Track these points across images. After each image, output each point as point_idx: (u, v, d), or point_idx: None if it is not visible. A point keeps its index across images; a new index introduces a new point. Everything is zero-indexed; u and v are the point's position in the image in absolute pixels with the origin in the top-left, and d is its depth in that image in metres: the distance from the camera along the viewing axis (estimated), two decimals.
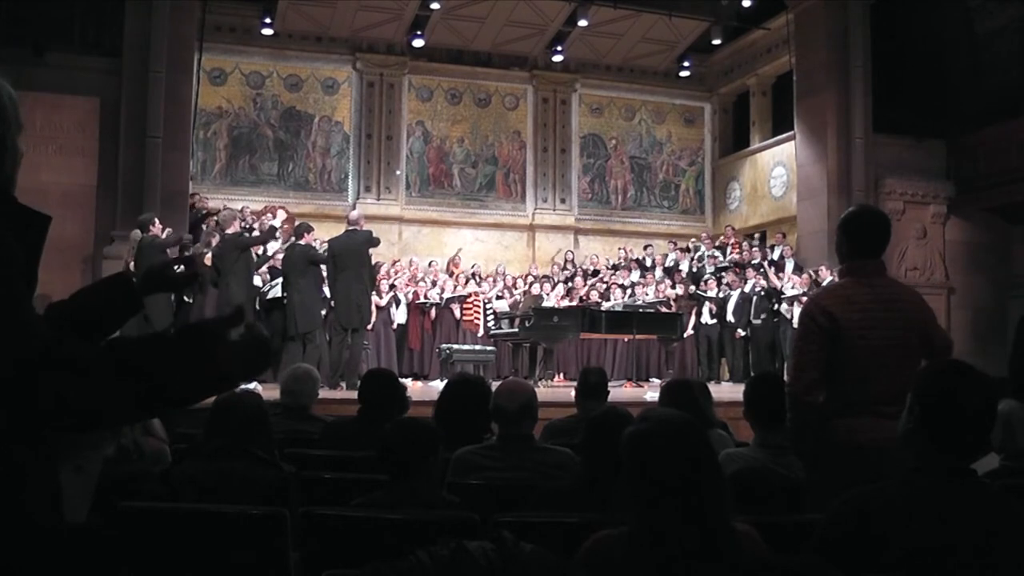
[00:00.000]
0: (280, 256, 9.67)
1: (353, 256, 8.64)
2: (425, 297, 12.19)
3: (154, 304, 8.62)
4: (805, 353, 2.84)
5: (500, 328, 11.62)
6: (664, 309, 12.02)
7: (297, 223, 9.96)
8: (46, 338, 1.14)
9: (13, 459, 1.19)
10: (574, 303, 12.14)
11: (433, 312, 12.21)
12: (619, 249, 14.90)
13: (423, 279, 12.53)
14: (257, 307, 9.41)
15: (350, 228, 8.82)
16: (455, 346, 10.82)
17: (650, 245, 14.79)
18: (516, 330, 10.95)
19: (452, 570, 1.40)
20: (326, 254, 8.80)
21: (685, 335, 12.08)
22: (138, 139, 10.58)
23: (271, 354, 1.25)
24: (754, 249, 13.42)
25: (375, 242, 8.96)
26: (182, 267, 1.77)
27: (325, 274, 8.89)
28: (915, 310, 2.87)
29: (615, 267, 14.09)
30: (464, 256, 13.83)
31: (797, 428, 2.84)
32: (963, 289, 13.40)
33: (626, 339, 11.91)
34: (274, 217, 10.27)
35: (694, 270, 13.50)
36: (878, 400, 2.69)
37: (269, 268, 9.89)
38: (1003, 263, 13.60)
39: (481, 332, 12.08)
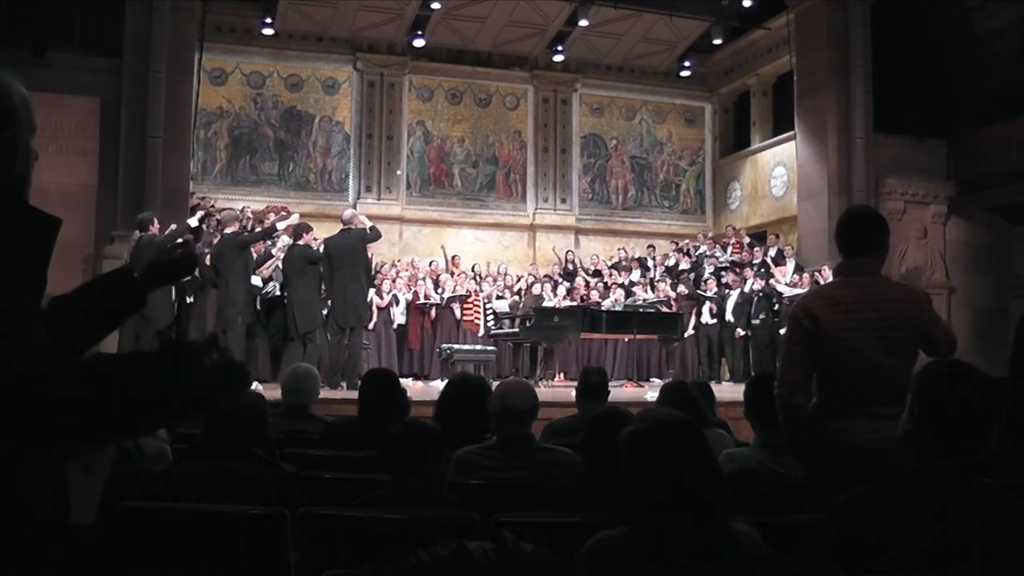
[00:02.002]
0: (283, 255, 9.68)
1: (348, 255, 8.64)
2: (425, 297, 12.19)
3: (154, 303, 8.62)
4: (790, 356, 2.87)
5: (500, 328, 11.61)
6: (664, 309, 12.01)
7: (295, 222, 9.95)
8: (33, 354, 1.16)
9: (17, 460, 1.19)
10: (575, 303, 12.14)
11: (433, 312, 12.21)
12: (619, 249, 14.91)
13: (424, 279, 12.53)
14: (257, 306, 9.41)
15: (344, 228, 8.83)
16: (455, 346, 10.81)
17: (652, 246, 14.80)
18: (516, 330, 10.95)
19: (452, 570, 1.40)
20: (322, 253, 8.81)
21: (685, 335, 12.08)
22: (138, 139, 10.58)
23: (246, 377, 1.27)
24: (755, 250, 13.42)
25: (372, 237, 8.94)
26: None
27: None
28: (909, 309, 2.84)
29: (615, 267, 14.09)
30: (461, 255, 13.85)
31: (788, 430, 2.85)
32: (964, 289, 13.40)
33: (626, 339, 11.90)
34: (288, 216, 10.25)
35: (693, 270, 13.51)
36: (872, 401, 2.69)
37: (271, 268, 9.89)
38: (1004, 263, 13.59)
39: (481, 332, 12.07)
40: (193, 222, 9.56)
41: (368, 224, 9.07)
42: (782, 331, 11.21)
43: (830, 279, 10.39)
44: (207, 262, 8.97)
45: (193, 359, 1.20)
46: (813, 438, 2.80)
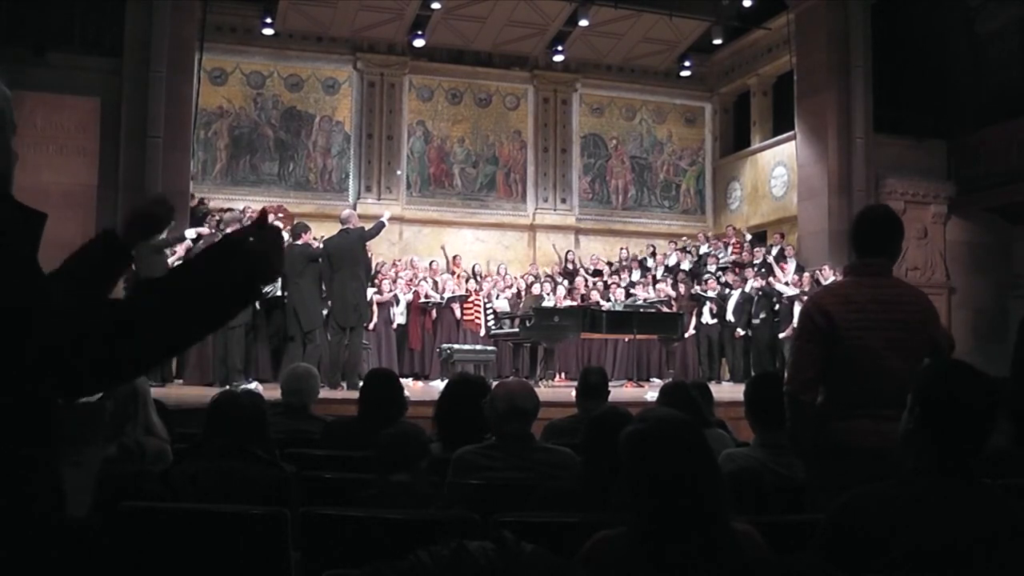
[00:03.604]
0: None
1: (348, 255, 8.65)
2: (426, 297, 12.18)
3: None
4: (802, 352, 2.83)
5: (501, 328, 11.61)
6: (665, 309, 12.01)
7: (295, 222, 9.96)
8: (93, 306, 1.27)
9: (19, 457, 1.19)
10: (575, 303, 12.13)
11: (434, 312, 12.21)
12: (620, 249, 14.90)
13: (424, 279, 12.52)
14: (257, 306, 9.42)
15: (343, 228, 8.84)
16: (456, 346, 10.81)
17: (652, 246, 14.79)
18: (517, 330, 10.95)
19: (453, 570, 1.40)
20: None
21: (686, 335, 12.08)
22: (139, 139, 10.59)
23: (283, 245, 1.37)
24: (756, 250, 13.42)
25: (372, 234, 8.95)
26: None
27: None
28: (917, 311, 2.84)
29: (615, 267, 14.09)
30: (461, 255, 13.85)
31: (794, 428, 2.83)
32: (964, 289, 13.40)
33: (627, 339, 11.90)
34: (284, 216, 10.25)
35: (694, 269, 13.51)
36: (877, 402, 2.67)
37: None
38: (1004, 263, 13.60)
39: (482, 332, 12.07)
40: (191, 234, 9.55)
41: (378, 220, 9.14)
42: (781, 335, 11.26)
43: (831, 279, 10.43)
44: None
45: (241, 239, 1.32)
46: (816, 437, 2.79)
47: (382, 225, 9.20)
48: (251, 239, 1.32)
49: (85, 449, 2.66)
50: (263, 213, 1.38)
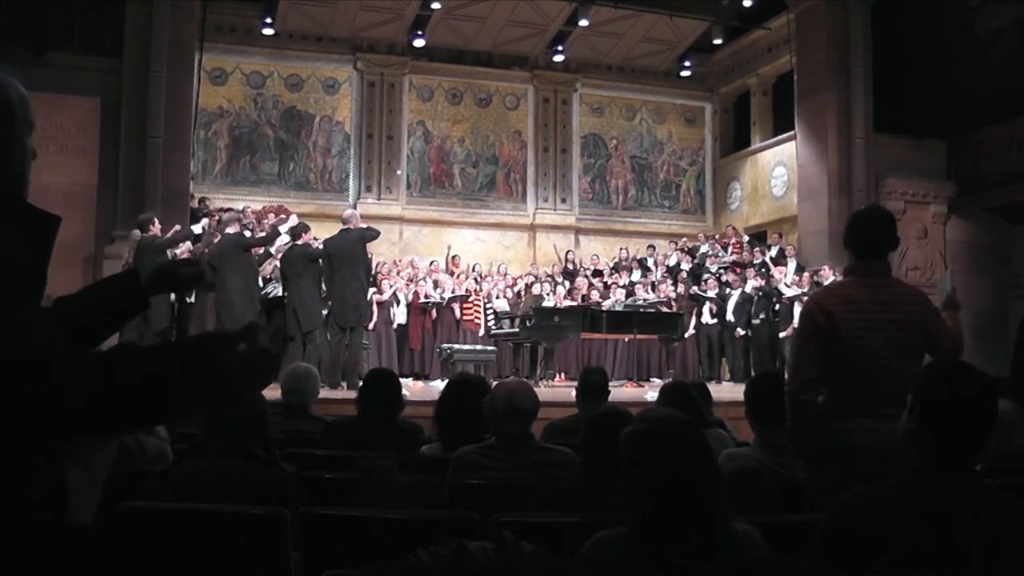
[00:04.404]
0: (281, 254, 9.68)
1: (348, 255, 8.65)
2: (426, 297, 12.18)
3: (154, 304, 8.61)
4: (803, 352, 2.83)
5: (501, 328, 11.61)
6: (665, 309, 12.01)
7: (297, 223, 9.96)
8: (42, 343, 1.14)
9: (17, 459, 1.19)
10: (575, 303, 12.13)
11: (434, 312, 12.21)
12: (621, 249, 14.91)
13: (424, 279, 12.53)
14: (258, 307, 9.42)
15: (344, 228, 8.84)
16: (456, 346, 10.81)
17: (652, 246, 14.80)
18: (517, 330, 10.95)
19: (453, 570, 1.40)
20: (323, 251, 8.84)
21: (686, 335, 12.08)
22: (139, 139, 10.60)
23: (275, 368, 1.24)
24: (756, 250, 13.42)
25: (371, 236, 8.97)
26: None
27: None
28: (917, 311, 2.84)
29: (615, 267, 14.09)
30: (461, 255, 13.86)
31: (795, 428, 2.83)
32: (964, 289, 13.24)
33: (627, 339, 11.90)
34: (286, 219, 10.24)
35: (695, 270, 13.51)
36: (877, 401, 2.68)
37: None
38: (1004, 263, 13.60)
39: (482, 332, 12.07)
40: (197, 229, 9.56)
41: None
42: (782, 334, 11.25)
43: (831, 279, 10.43)
44: (207, 262, 8.98)
45: (224, 345, 1.17)
46: (817, 437, 2.79)
47: (378, 234, 9.28)
48: (239, 350, 1.15)
49: (97, 452, 2.65)
50: (252, 327, 1.19)
